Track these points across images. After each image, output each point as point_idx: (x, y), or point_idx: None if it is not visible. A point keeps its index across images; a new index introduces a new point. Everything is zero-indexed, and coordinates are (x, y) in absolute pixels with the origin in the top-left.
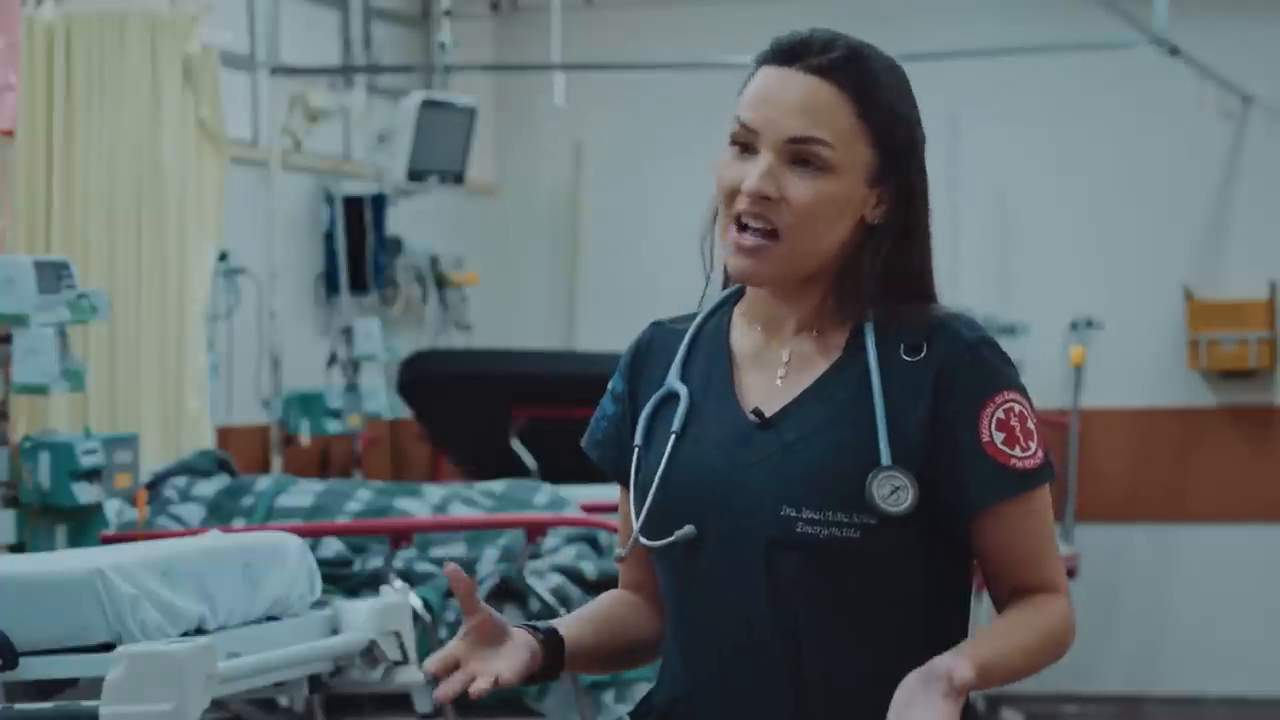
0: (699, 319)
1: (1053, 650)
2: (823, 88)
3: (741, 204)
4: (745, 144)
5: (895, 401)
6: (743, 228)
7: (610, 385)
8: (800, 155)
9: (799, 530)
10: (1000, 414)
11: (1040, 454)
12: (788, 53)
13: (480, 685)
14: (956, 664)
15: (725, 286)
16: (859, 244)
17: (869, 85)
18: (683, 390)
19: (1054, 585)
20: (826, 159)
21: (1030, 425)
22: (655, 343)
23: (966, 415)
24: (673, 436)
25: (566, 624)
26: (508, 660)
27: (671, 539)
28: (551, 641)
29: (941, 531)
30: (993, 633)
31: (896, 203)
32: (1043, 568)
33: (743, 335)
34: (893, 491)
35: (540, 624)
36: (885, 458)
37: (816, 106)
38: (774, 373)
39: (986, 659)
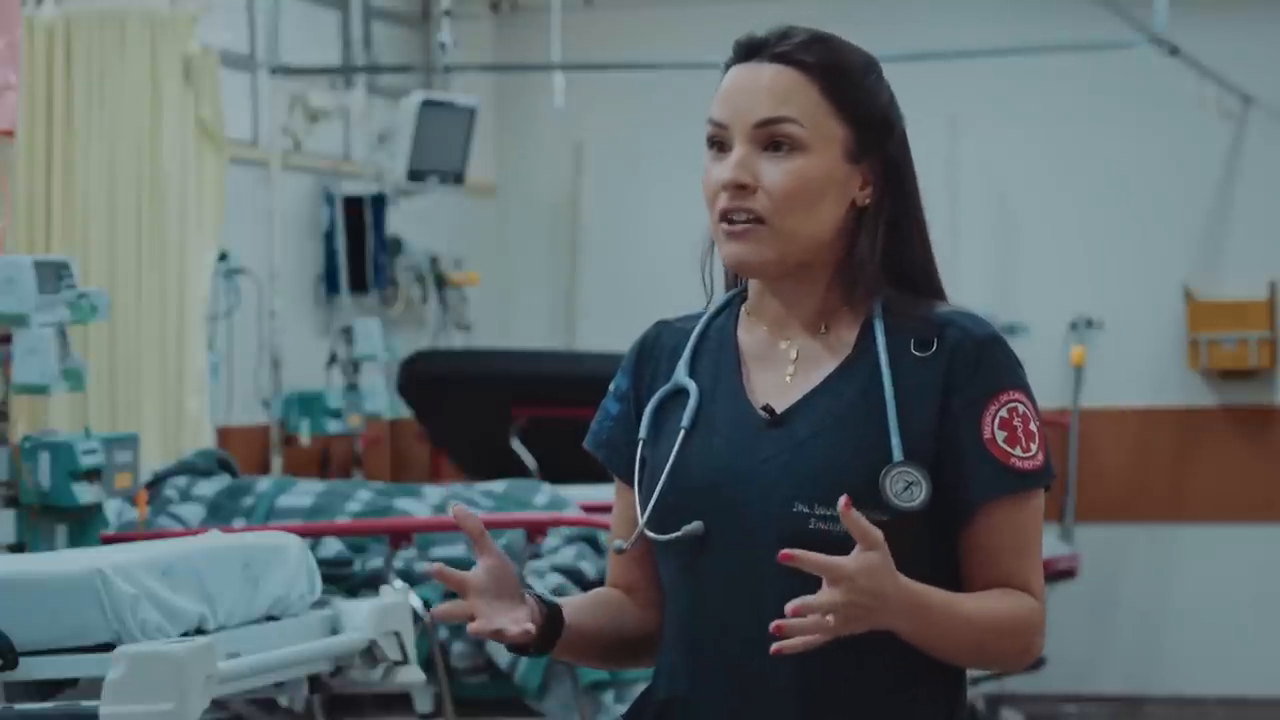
0: (705, 317)
1: (1009, 641)
2: (785, 72)
3: (722, 200)
4: (720, 142)
5: (906, 397)
6: (729, 222)
7: (613, 384)
8: (771, 138)
9: (811, 527)
10: (1004, 413)
11: (1040, 457)
12: (748, 49)
13: (479, 626)
14: (903, 581)
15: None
16: (854, 231)
17: (831, 64)
18: (692, 386)
19: (1030, 588)
20: (797, 137)
21: (1033, 427)
22: (661, 340)
23: (970, 411)
24: (681, 432)
25: (566, 604)
26: (513, 617)
27: (679, 533)
28: (553, 616)
29: (951, 528)
30: (949, 593)
31: (884, 182)
32: (1026, 570)
33: (749, 333)
34: (906, 487)
35: (546, 596)
36: (897, 453)
37: (781, 88)
38: (783, 370)
39: (929, 595)
